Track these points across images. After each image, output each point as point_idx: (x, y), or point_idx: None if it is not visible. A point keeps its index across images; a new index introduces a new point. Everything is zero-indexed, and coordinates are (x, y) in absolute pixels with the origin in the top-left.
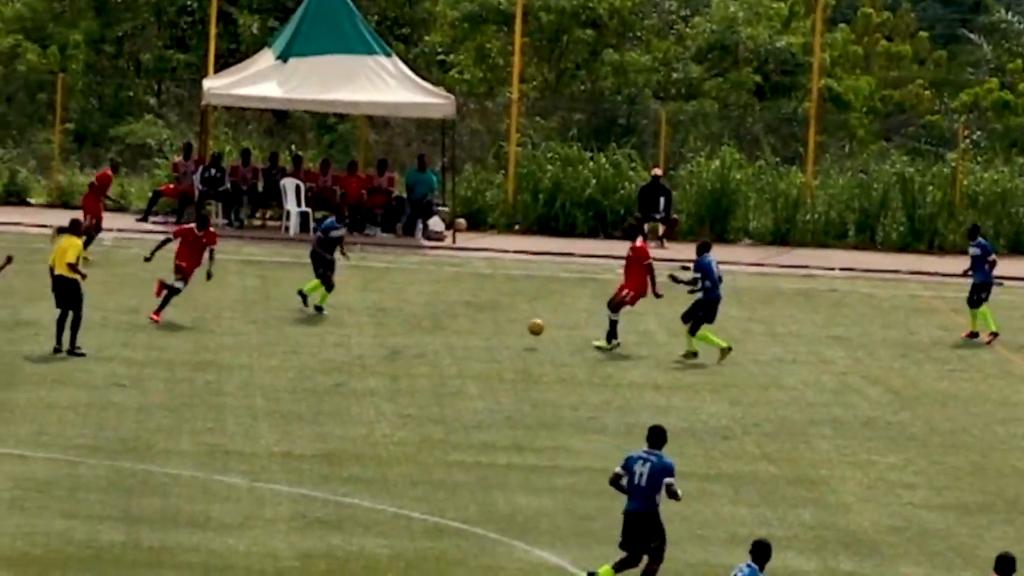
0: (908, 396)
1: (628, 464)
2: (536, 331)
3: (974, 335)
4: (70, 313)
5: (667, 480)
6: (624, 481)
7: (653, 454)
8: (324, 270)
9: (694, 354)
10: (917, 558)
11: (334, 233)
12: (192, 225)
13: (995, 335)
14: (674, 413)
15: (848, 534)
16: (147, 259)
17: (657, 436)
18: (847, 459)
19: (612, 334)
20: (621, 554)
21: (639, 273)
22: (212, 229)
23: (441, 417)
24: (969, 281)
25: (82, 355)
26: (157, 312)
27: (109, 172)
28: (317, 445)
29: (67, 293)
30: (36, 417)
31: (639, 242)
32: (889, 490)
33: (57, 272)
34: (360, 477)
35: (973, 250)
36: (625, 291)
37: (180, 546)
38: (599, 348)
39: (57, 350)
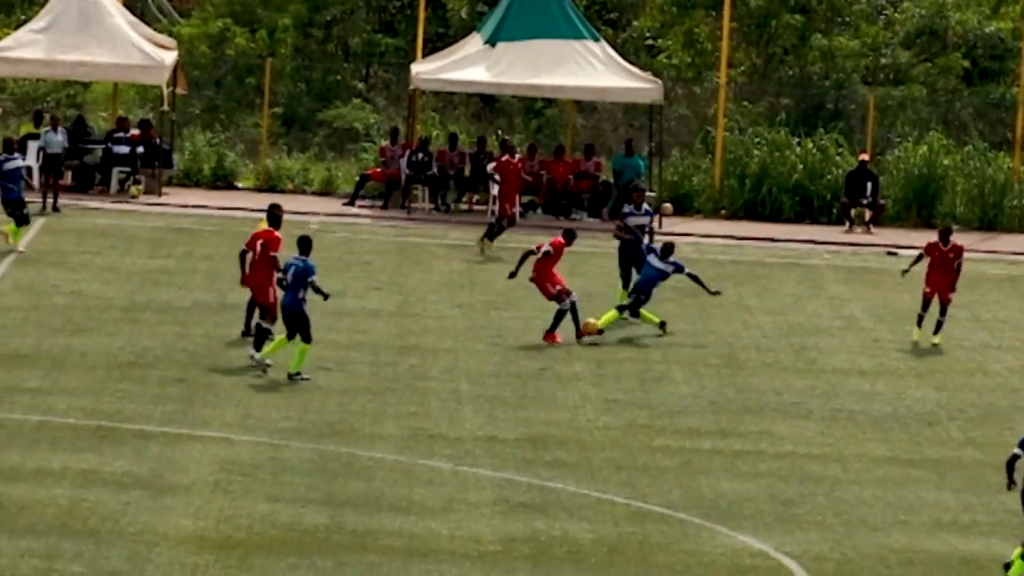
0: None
1: None
2: (590, 331)
3: None
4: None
5: None
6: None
7: None
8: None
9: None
10: None
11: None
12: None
13: None
14: (879, 399)
15: None
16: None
17: None
18: None
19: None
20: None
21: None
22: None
23: (646, 402)
24: None
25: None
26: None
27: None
28: (521, 429)
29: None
30: (241, 400)
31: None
32: None
33: None
34: (564, 462)
35: None
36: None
37: (383, 530)
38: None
39: (245, 334)
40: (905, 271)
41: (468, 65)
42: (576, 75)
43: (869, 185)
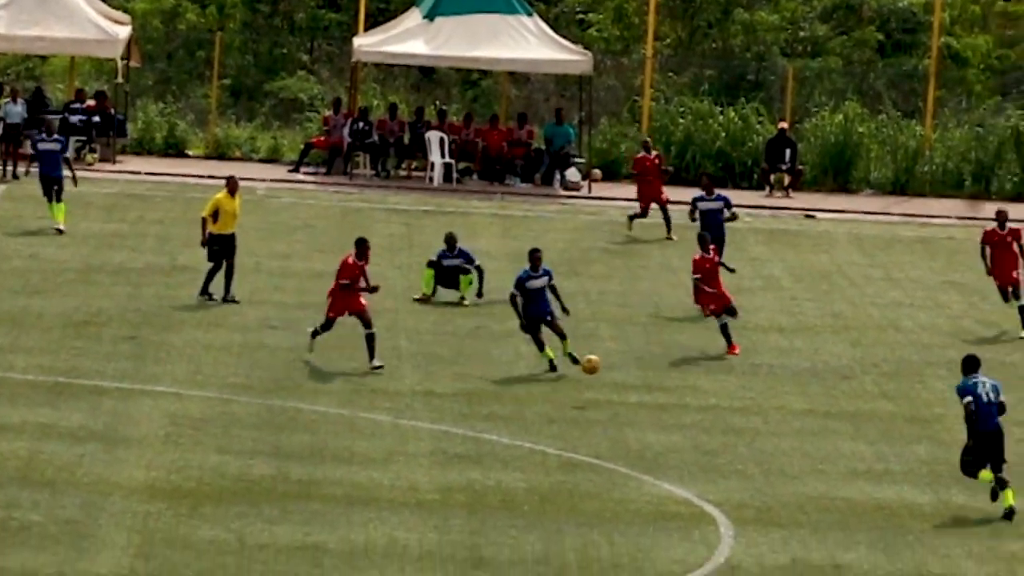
0: (1020, 339)
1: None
2: (591, 370)
3: None
4: (224, 264)
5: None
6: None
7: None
8: None
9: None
10: None
11: None
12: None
13: None
14: (796, 354)
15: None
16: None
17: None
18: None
19: None
20: None
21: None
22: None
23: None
24: None
25: (236, 302)
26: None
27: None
28: (457, 385)
29: (228, 248)
30: (192, 357)
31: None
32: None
33: (224, 231)
34: (498, 415)
35: None
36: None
37: (327, 479)
38: None
39: (206, 295)
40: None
41: (407, 39)
42: (510, 48)
43: (788, 152)
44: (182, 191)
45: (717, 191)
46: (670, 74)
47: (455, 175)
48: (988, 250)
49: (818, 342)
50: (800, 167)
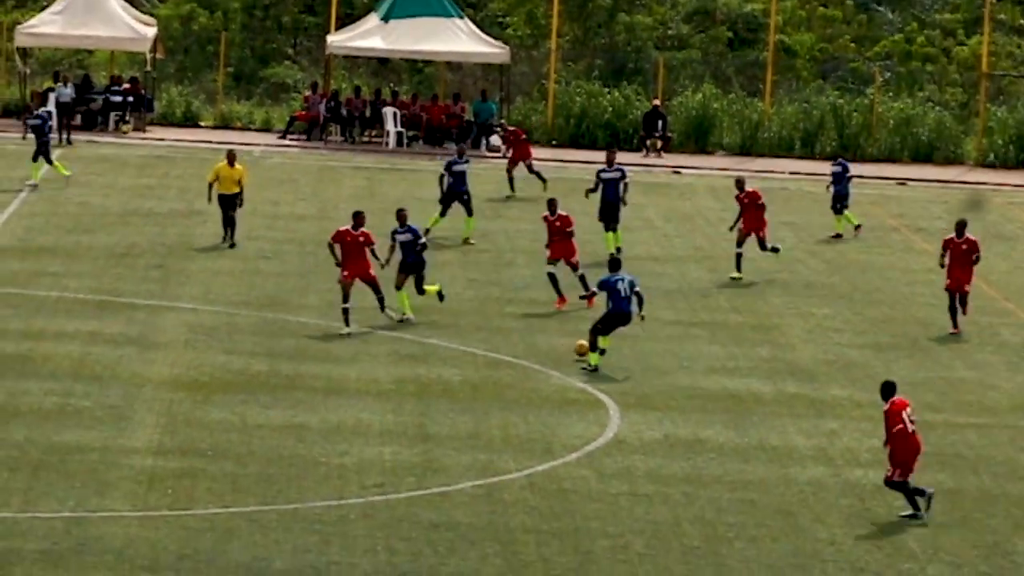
0: (838, 265)
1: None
2: (581, 351)
3: (839, 236)
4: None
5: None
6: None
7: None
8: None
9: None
10: (843, 383)
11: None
12: (546, 213)
13: (858, 227)
14: (667, 278)
15: (794, 365)
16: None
17: None
18: (793, 311)
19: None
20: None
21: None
22: (565, 213)
23: (498, 280)
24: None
25: (233, 246)
26: (560, 299)
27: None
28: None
29: (232, 204)
30: (204, 281)
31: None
32: (823, 334)
33: (227, 192)
34: (439, 324)
35: (835, 168)
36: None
37: (308, 374)
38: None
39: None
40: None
41: (368, 36)
42: (447, 43)
43: (660, 123)
44: (196, 153)
45: (617, 164)
46: (569, 63)
47: (405, 141)
48: (947, 257)
49: (683, 268)
50: (669, 134)
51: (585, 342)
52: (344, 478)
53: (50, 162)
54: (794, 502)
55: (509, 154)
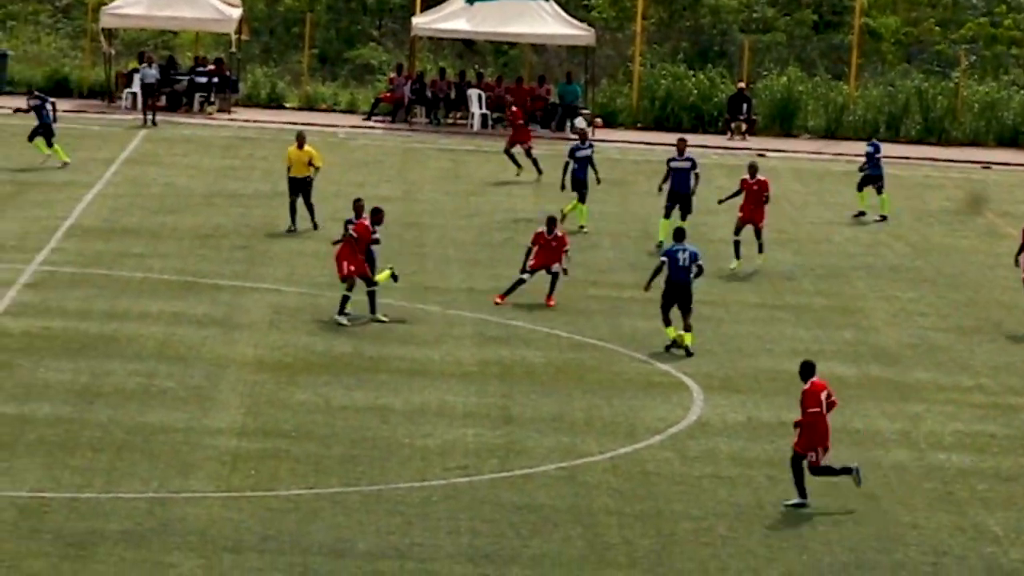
0: (922, 249)
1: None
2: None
3: (862, 214)
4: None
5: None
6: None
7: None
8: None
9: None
10: (927, 366)
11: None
12: (543, 230)
13: (884, 217)
14: (751, 261)
15: (878, 349)
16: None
17: None
18: (877, 294)
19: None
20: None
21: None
22: (562, 233)
23: (583, 262)
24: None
25: (316, 228)
26: (503, 295)
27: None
28: (492, 283)
29: (303, 187)
30: (288, 262)
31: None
32: (908, 317)
33: (296, 175)
34: (523, 306)
35: (868, 148)
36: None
37: (392, 356)
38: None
39: (291, 230)
40: (721, 201)
41: (453, 18)
42: (532, 25)
43: (744, 106)
44: (281, 134)
45: (688, 152)
46: (654, 45)
47: (490, 123)
48: None
49: (768, 251)
50: (754, 117)
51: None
52: (427, 460)
53: (50, 144)
54: (877, 485)
55: (509, 134)
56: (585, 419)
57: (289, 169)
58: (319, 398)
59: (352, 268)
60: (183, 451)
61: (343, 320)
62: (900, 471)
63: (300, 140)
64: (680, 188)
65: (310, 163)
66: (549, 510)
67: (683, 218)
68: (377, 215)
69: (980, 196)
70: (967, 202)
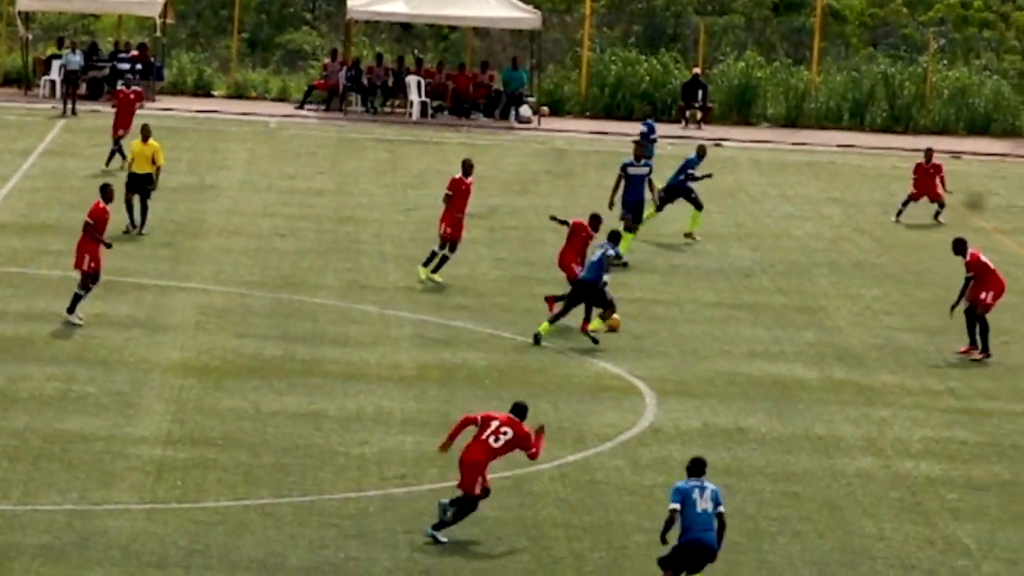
0: (887, 244)
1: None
2: (615, 327)
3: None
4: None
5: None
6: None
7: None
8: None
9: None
10: (893, 368)
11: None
12: (585, 223)
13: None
14: (707, 256)
15: (841, 350)
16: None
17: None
18: (841, 292)
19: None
20: None
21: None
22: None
23: (527, 259)
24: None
25: (143, 235)
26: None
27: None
28: (430, 281)
29: (143, 184)
30: (216, 259)
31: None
32: (873, 316)
33: (137, 171)
34: (464, 306)
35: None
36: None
37: (326, 359)
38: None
39: (127, 231)
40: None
41: (392, 1)
42: (474, 7)
43: (700, 92)
44: (208, 124)
45: (644, 159)
46: (604, 29)
47: (430, 111)
48: None
49: (724, 247)
50: (710, 104)
51: (618, 317)
52: (363, 469)
53: None
54: (841, 495)
55: None
56: (531, 425)
57: (131, 164)
58: (248, 404)
59: (93, 265)
60: (104, 460)
61: (76, 319)
62: (865, 480)
63: (145, 133)
64: (635, 196)
65: (153, 160)
66: (493, 522)
67: (630, 229)
68: (106, 191)
69: (980, 196)
70: (967, 202)
